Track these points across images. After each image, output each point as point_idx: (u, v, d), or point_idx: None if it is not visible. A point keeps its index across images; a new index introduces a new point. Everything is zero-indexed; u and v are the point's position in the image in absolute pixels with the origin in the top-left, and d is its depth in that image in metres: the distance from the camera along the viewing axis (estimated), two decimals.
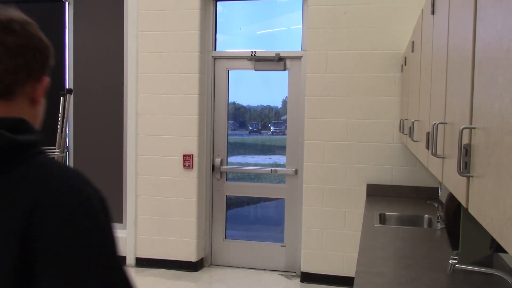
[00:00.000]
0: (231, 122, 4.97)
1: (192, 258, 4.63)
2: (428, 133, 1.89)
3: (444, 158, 1.51)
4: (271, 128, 5.09)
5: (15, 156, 0.82)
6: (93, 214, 0.82)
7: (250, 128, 5.15)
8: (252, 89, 5.04)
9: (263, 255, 4.75)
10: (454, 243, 2.07)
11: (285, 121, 4.77)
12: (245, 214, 5.22)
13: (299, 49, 4.61)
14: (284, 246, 4.71)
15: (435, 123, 1.59)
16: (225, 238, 4.87)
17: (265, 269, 4.73)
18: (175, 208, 4.63)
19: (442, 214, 3.12)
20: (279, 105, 5.02)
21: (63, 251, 0.76)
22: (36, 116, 0.95)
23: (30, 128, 0.88)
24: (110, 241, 0.84)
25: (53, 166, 0.85)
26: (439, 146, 1.60)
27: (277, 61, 4.62)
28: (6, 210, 0.76)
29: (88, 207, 0.82)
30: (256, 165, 4.98)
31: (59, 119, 3.05)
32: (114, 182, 4.84)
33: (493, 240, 1.94)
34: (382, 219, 3.46)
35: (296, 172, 4.64)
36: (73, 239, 0.78)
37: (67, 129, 4.73)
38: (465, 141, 1.12)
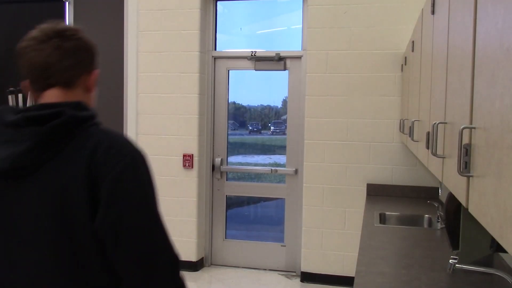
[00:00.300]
0: (231, 122, 4.97)
1: (192, 257, 4.63)
2: (428, 133, 1.89)
3: (444, 158, 1.51)
4: (271, 127, 5.09)
5: (78, 126, 1.11)
6: (138, 156, 1.12)
7: (250, 128, 5.15)
8: (252, 89, 5.04)
9: (263, 255, 4.75)
10: (454, 243, 2.07)
11: (285, 120, 4.77)
12: (245, 213, 5.22)
13: (299, 48, 4.61)
14: (284, 245, 4.71)
15: (435, 123, 1.59)
16: (225, 238, 4.87)
17: (265, 269, 4.73)
18: (175, 208, 4.63)
19: (442, 213, 3.12)
20: (279, 104, 5.02)
21: (113, 175, 1.06)
22: (90, 101, 1.24)
23: (87, 108, 1.16)
24: (148, 185, 1.12)
25: (107, 131, 1.14)
26: (439, 146, 1.60)
27: (277, 61, 4.62)
28: (78, 159, 1.07)
29: (132, 150, 1.12)
30: (256, 165, 4.98)
31: None
32: None
33: (493, 240, 1.94)
34: (382, 218, 3.46)
35: (296, 171, 4.64)
36: (122, 168, 1.08)
37: None
38: (465, 140, 1.11)
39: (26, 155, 1.07)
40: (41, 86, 1.17)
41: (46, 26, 1.17)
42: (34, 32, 1.17)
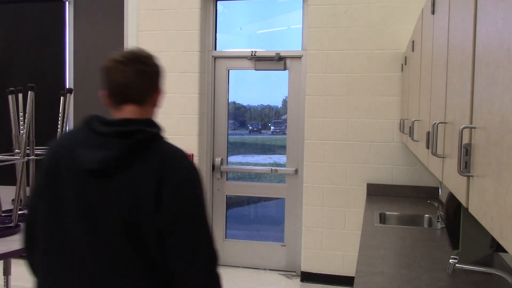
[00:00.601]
0: (231, 121, 4.97)
1: None
2: (428, 133, 1.89)
3: (444, 157, 1.51)
4: (271, 127, 5.09)
5: (151, 141, 1.40)
6: (193, 168, 1.42)
7: (250, 128, 5.15)
8: (252, 89, 5.04)
9: (263, 255, 4.75)
10: (454, 243, 2.07)
11: (285, 120, 4.77)
12: (245, 213, 5.22)
13: (299, 48, 4.61)
14: (284, 245, 4.71)
15: (435, 123, 1.59)
16: (225, 238, 4.87)
17: (265, 269, 4.73)
18: None
19: (442, 213, 3.12)
20: (279, 104, 5.02)
21: (174, 182, 1.35)
22: (154, 114, 1.54)
23: (156, 124, 1.45)
24: (200, 192, 1.40)
25: (170, 145, 1.44)
26: (439, 145, 1.60)
27: (277, 61, 4.62)
28: (149, 166, 1.36)
29: (189, 163, 1.42)
30: (256, 164, 4.98)
31: (59, 118, 3.05)
32: None
33: (493, 240, 1.94)
34: (382, 218, 3.46)
35: (296, 171, 4.64)
36: (181, 177, 1.37)
37: (67, 128, 4.73)
38: (465, 140, 1.12)
39: (113, 160, 1.35)
40: (119, 101, 1.47)
41: (128, 52, 1.48)
42: (118, 56, 1.46)
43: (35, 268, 1.46)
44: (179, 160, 1.41)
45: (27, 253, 1.48)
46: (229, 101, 4.86)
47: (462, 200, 1.17)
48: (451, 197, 2.10)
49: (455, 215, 2.07)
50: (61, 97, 3.05)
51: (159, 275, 1.37)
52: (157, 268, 1.36)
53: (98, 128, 1.40)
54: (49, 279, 1.39)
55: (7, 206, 2.89)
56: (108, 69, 1.46)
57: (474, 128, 1.06)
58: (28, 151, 2.71)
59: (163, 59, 4.60)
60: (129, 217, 1.33)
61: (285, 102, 4.84)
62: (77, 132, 1.45)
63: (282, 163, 4.80)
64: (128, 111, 1.47)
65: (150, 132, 1.41)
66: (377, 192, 4.23)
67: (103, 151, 1.36)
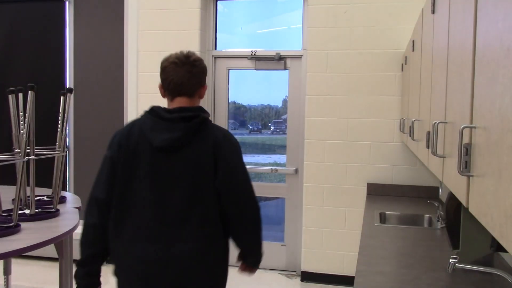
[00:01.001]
0: (231, 121, 4.97)
1: None
2: (428, 132, 1.89)
3: (444, 157, 1.51)
4: (272, 127, 5.09)
5: (204, 123, 1.86)
6: (237, 143, 1.93)
7: (250, 127, 5.15)
8: (253, 88, 5.04)
9: (264, 254, 4.74)
10: (455, 242, 2.07)
11: (285, 120, 4.77)
12: None
13: (300, 48, 4.61)
14: (285, 245, 4.71)
15: (435, 122, 1.59)
16: None
17: (265, 269, 4.73)
18: None
19: (442, 213, 3.12)
20: (280, 104, 5.02)
21: (226, 154, 1.86)
22: (199, 103, 1.99)
23: (205, 111, 1.91)
24: (242, 161, 1.92)
25: (218, 127, 1.92)
26: (440, 145, 1.60)
27: (278, 60, 4.62)
28: (206, 143, 1.83)
29: (234, 139, 1.92)
30: (256, 164, 4.98)
31: (59, 118, 3.05)
32: None
33: (493, 239, 1.94)
34: (383, 218, 3.46)
35: (296, 171, 4.64)
36: (231, 150, 1.88)
37: (67, 128, 4.73)
38: (466, 140, 1.12)
39: (178, 139, 1.80)
40: (174, 94, 1.91)
41: (182, 55, 1.91)
42: (174, 58, 1.90)
43: (104, 231, 1.85)
44: (228, 137, 1.89)
45: (101, 216, 1.84)
46: (229, 100, 4.86)
47: (462, 200, 1.17)
48: (451, 197, 2.10)
49: (455, 214, 2.07)
50: (61, 97, 3.04)
51: (216, 222, 1.84)
52: (214, 216, 1.84)
53: (164, 115, 1.83)
54: (123, 234, 1.81)
55: (7, 206, 2.89)
56: (166, 68, 1.90)
57: (474, 128, 1.06)
58: (28, 151, 2.71)
59: None
60: (194, 180, 1.81)
61: (285, 101, 4.84)
62: (142, 119, 1.87)
63: (282, 162, 4.80)
64: (181, 102, 1.91)
65: (204, 116, 1.86)
66: (377, 192, 4.23)
67: (170, 133, 1.80)
